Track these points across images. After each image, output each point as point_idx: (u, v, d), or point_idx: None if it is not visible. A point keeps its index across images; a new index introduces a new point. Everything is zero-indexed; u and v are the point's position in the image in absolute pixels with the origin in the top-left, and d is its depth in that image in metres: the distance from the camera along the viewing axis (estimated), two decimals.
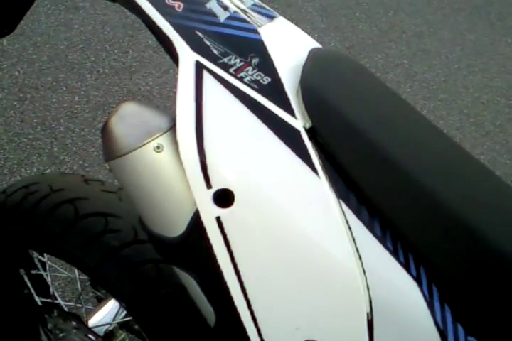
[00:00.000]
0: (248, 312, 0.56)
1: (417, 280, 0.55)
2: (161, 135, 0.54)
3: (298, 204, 0.54)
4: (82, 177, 0.88)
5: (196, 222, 0.54)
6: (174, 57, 0.56)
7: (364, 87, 0.62)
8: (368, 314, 0.55)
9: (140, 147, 0.54)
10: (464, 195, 0.57)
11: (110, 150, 0.55)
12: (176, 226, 0.56)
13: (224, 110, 0.54)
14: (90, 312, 0.96)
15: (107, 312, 0.96)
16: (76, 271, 1.01)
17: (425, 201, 0.55)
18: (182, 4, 0.56)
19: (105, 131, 0.56)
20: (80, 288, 1.02)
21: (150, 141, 0.54)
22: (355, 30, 2.58)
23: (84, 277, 1.00)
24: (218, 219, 0.53)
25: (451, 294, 0.56)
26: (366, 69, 0.65)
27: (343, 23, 2.61)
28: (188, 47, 0.54)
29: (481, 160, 2.05)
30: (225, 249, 0.54)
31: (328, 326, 0.57)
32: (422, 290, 0.55)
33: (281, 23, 0.62)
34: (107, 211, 0.80)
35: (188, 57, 0.54)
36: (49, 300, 0.97)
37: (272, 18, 0.61)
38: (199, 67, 0.54)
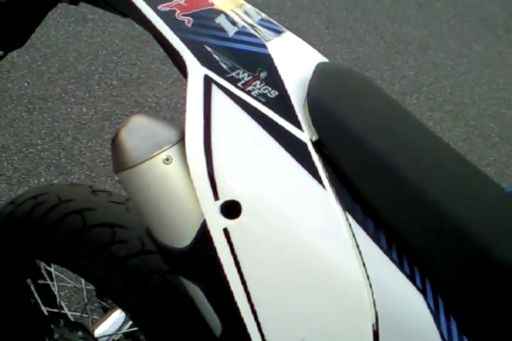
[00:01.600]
0: (254, 323, 0.56)
1: (423, 291, 0.55)
2: (170, 147, 0.55)
3: (304, 216, 0.55)
4: (90, 188, 0.89)
5: (203, 233, 0.55)
6: (183, 71, 0.57)
7: (370, 100, 0.63)
8: (373, 325, 0.55)
9: (149, 159, 0.55)
10: (469, 207, 0.58)
11: (120, 162, 0.56)
12: (184, 237, 0.56)
13: (232, 123, 0.54)
14: (96, 323, 0.96)
15: (112, 323, 0.97)
16: (82, 281, 1.01)
17: (431, 213, 0.56)
18: (192, 19, 0.57)
19: (115, 144, 0.57)
20: (85, 299, 1.02)
21: (159, 153, 0.55)
22: (361, 42, 2.60)
23: (91, 287, 1.01)
24: (225, 230, 0.54)
25: (457, 306, 0.56)
26: (372, 82, 0.66)
27: (350, 35, 2.63)
28: (197, 62, 0.55)
29: (487, 172, 2.05)
30: (231, 259, 0.54)
31: (334, 337, 0.57)
32: (427, 302, 0.55)
33: (289, 37, 0.64)
34: (115, 222, 0.81)
35: (197, 71, 0.55)
36: (55, 310, 0.97)
37: (279, 32, 0.62)
38: (208, 81, 0.55)
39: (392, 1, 2.78)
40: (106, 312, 1.00)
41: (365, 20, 2.74)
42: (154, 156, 0.54)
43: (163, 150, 0.55)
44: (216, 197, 0.53)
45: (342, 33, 2.63)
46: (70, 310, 1.00)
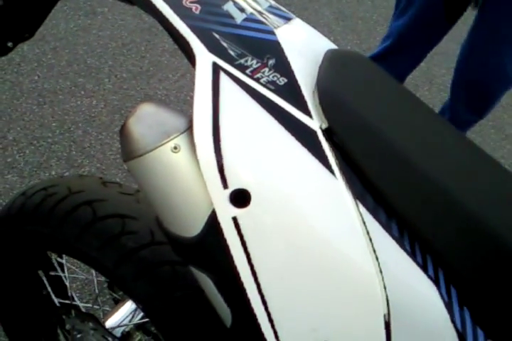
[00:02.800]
0: (265, 313, 0.56)
1: (435, 281, 0.54)
2: (178, 135, 0.54)
3: (314, 204, 0.54)
4: (100, 179, 0.89)
5: (213, 222, 0.54)
6: (191, 59, 0.56)
7: (380, 87, 0.62)
8: (385, 315, 0.54)
9: (157, 147, 0.54)
10: (482, 195, 0.57)
11: (128, 151, 0.56)
12: (193, 227, 0.56)
13: (240, 111, 0.54)
14: (107, 314, 0.97)
15: (123, 314, 0.97)
16: (93, 272, 1.01)
17: (442, 201, 0.55)
18: (199, 6, 0.56)
19: (123, 132, 0.56)
20: (97, 290, 1.03)
21: (167, 142, 0.54)
22: (372, 33, 2.58)
23: (102, 279, 1.01)
24: (235, 219, 0.53)
25: (470, 296, 0.55)
26: (381, 69, 0.64)
27: (360, 26, 2.61)
28: (205, 49, 0.55)
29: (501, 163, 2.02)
30: (241, 249, 0.54)
31: (345, 328, 0.56)
32: (440, 292, 0.54)
33: (298, 24, 0.63)
34: (125, 213, 0.81)
35: (205, 58, 0.54)
36: (67, 302, 0.98)
37: (288, 19, 0.62)
38: (216, 69, 0.54)
39: None
40: (117, 303, 1.01)
41: (375, 11, 2.71)
42: (162, 145, 0.54)
43: (172, 139, 0.54)
44: (225, 185, 0.52)
45: (352, 24, 2.60)
46: (81, 302, 1.00)
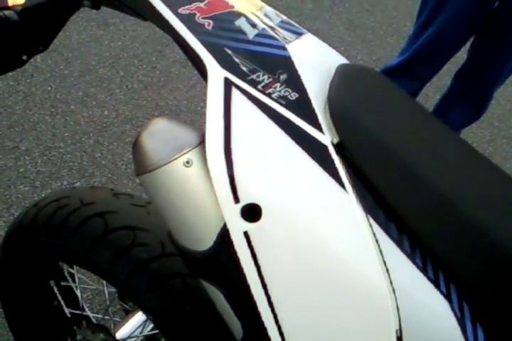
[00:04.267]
0: (275, 327, 0.56)
1: (447, 297, 0.54)
2: (190, 150, 0.55)
3: (325, 219, 0.54)
4: (112, 191, 0.90)
5: (224, 236, 0.55)
6: (203, 74, 0.57)
7: (391, 102, 0.62)
8: (397, 331, 0.54)
9: (170, 162, 0.55)
10: (494, 210, 0.57)
11: (141, 165, 0.56)
12: (204, 240, 0.56)
13: (252, 126, 0.54)
14: (118, 325, 0.97)
15: (134, 325, 0.97)
16: (104, 283, 1.02)
17: (454, 216, 0.55)
18: (212, 22, 0.57)
19: (136, 147, 0.57)
20: (108, 301, 1.03)
21: (180, 156, 0.55)
22: (382, 43, 2.58)
23: (113, 289, 1.01)
24: (246, 233, 0.53)
25: (483, 312, 0.55)
26: (393, 84, 0.65)
27: (370, 37, 2.61)
28: (217, 65, 0.55)
29: None
30: (252, 263, 0.54)
31: None
32: (452, 308, 0.54)
33: (309, 39, 0.63)
34: (136, 224, 0.81)
35: (217, 74, 0.55)
36: (78, 312, 0.98)
37: (299, 34, 0.62)
38: (228, 84, 0.55)
39: (414, 2, 2.76)
40: (127, 314, 1.01)
41: (386, 22, 2.72)
42: (175, 159, 0.55)
43: (184, 154, 0.55)
44: (236, 200, 0.53)
45: (363, 35, 2.61)
46: (92, 312, 1.01)
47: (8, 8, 0.71)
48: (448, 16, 1.62)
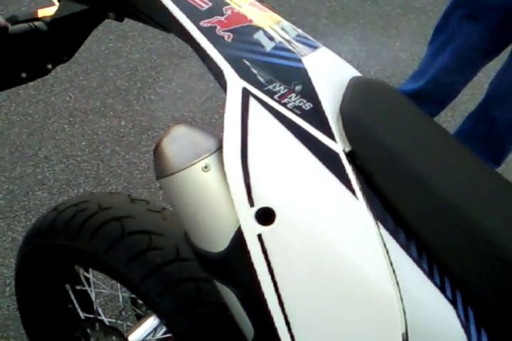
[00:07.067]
0: (286, 329, 0.58)
1: (453, 302, 0.56)
2: (208, 156, 0.57)
3: (336, 224, 0.56)
4: (129, 196, 0.92)
5: (238, 239, 0.57)
6: (222, 84, 0.59)
7: (402, 114, 0.65)
8: (403, 335, 0.56)
9: (189, 167, 0.57)
10: (501, 219, 0.58)
11: (161, 169, 0.59)
12: (219, 242, 0.58)
13: (268, 133, 0.57)
14: (130, 329, 0.98)
15: (146, 329, 0.99)
16: (119, 287, 1.04)
17: (462, 224, 0.56)
18: (231, 35, 0.60)
19: (157, 151, 0.60)
20: (121, 305, 1.05)
21: (198, 161, 0.57)
22: (395, 59, 2.61)
23: (126, 294, 1.03)
24: (260, 236, 0.56)
25: (488, 319, 0.56)
26: (404, 96, 0.67)
27: (384, 53, 2.64)
28: (236, 75, 0.58)
29: None
30: (265, 265, 0.56)
31: None
32: (457, 314, 0.56)
33: (324, 52, 0.66)
34: (152, 229, 0.84)
35: (235, 84, 0.58)
36: (92, 316, 1.00)
37: (314, 48, 0.65)
38: (246, 94, 0.57)
39: (427, 19, 2.78)
40: (140, 319, 1.03)
41: (399, 38, 2.75)
42: (193, 164, 0.57)
43: (202, 159, 0.57)
44: (251, 203, 0.55)
45: (376, 50, 2.64)
46: (105, 317, 1.03)
47: (37, 19, 0.74)
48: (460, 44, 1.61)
